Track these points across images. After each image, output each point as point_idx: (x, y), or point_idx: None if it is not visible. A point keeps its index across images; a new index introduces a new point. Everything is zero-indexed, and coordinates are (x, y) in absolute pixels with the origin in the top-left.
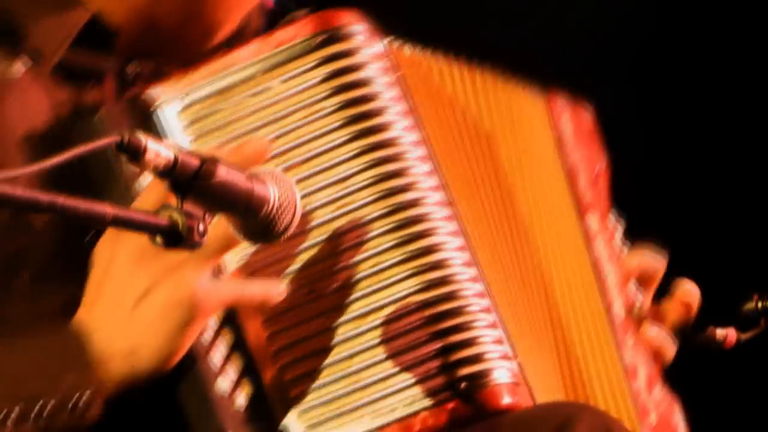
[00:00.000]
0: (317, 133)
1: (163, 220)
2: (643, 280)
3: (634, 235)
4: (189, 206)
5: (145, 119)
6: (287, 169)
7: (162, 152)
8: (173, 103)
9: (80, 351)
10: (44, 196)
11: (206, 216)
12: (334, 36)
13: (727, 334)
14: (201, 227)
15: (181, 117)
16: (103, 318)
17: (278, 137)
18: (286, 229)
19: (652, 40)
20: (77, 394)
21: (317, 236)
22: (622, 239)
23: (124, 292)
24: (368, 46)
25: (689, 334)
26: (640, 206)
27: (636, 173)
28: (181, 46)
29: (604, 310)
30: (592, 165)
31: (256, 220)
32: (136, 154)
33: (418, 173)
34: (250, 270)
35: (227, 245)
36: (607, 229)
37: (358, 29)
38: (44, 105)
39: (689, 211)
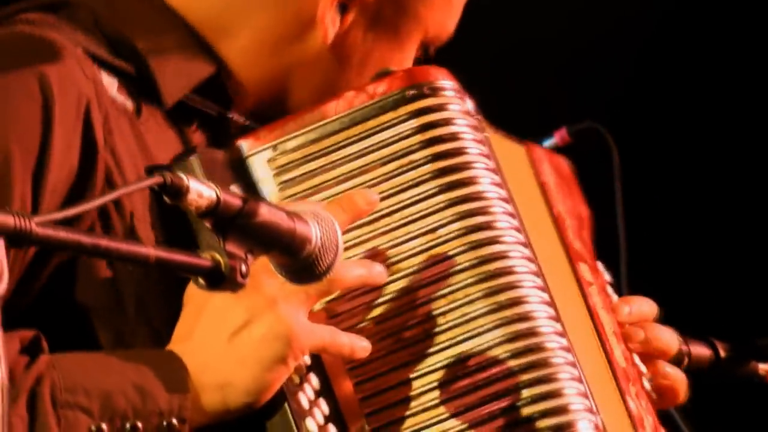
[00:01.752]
0: (407, 184)
1: (205, 260)
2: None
3: (629, 285)
4: (231, 246)
5: (237, 166)
6: (376, 220)
7: (204, 192)
8: (264, 152)
9: (174, 378)
10: (87, 238)
11: (248, 256)
12: (425, 90)
13: None
14: (243, 268)
15: (271, 166)
16: (198, 348)
17: (367, 188)
18: (329, 268)
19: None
20: (166, 421)
21: (406, 286)
22: (612, 289)
23: (221, 324)
24: (457, 103)
25: (732, 369)
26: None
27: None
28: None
29: (605, 357)
30: (576, 214)
31: (298, 260)
32: (179, 194)
33: (505, 227)
34: (340, 315)
35: (328, 289)
36: (598, 280)
37: (447, 85)
38: (155, 143)
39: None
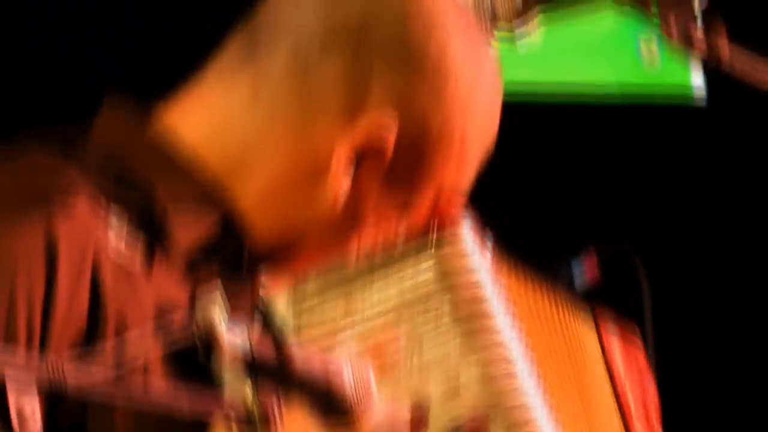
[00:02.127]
0: (427, 332)
1: (237, 406)
2: None
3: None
4: (264, 393)
5: (258, 305)
6: (397, 365)
7: (237, 340)
8: (285, 294)
9: None
10: (123, 392)
11: (281, 402)
12: (446, 238)
13: None
14: (276, 413)
15: (291, 306)
16: None
17: (386, 332)
18: (362, 413)
19: None
20: None
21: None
22: None
23: None
24: (479, 250)
25: None
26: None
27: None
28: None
29: None
30: (642, 397)
31: (331, 405)
32: (210, 340)
33: (525, 378)
34: None
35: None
36: None
37: (468, 233)
38: (167, 285)
39: None
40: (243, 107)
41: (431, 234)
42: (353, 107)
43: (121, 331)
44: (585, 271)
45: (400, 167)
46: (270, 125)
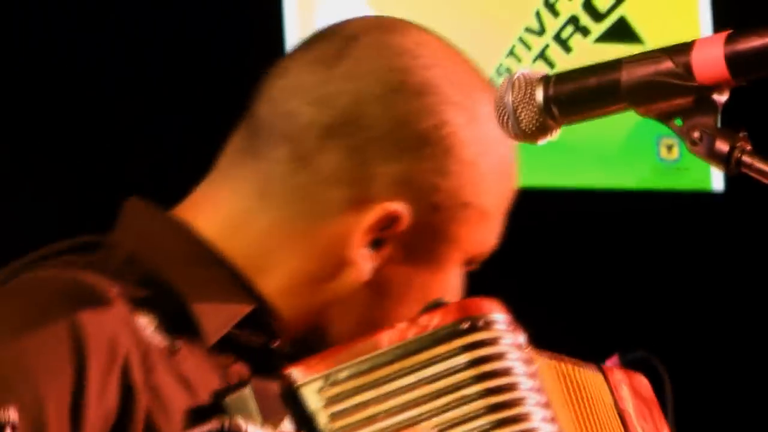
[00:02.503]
0: (459, 419)
1: None
2: None
3: None
4: None
5: (288, 396)
6: None
7: None
8: (316, 382)
9: None
10: None
11: None
12: (478, 323)
13: None
14: None
15: (322, 396)
16: None
17: (419, 421)
18: None
19: None
20: None
21: None
22: None
23: None
24: (510, 336)
25: None
26: None
27: None
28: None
29: None
30: None
31: None
32: None
33: None
34: None
35: None
36: None
37: (500, 318)
38: (196, 380)
39: None
40: (251, 207)
41: (465, 318)
42: (359, 200)
43: (153, 409)
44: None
45: (423, 241)
46: (279, 221)
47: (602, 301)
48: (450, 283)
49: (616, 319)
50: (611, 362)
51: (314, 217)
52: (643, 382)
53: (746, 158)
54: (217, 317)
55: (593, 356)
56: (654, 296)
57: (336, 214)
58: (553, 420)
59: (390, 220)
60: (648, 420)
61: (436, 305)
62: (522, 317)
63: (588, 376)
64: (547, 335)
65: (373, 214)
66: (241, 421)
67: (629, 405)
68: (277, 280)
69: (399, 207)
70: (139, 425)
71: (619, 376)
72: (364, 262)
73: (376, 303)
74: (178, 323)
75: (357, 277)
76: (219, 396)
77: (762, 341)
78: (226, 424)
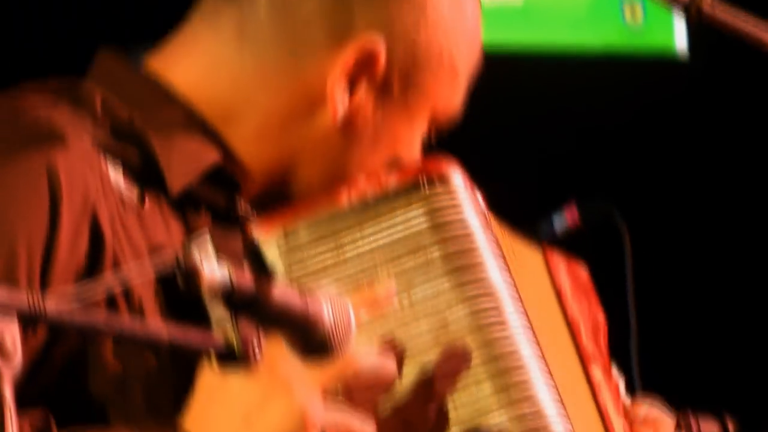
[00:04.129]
0: (417, 275)
1: (218, 339)
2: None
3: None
4: (244, 325)
5: (248, 251)
6: (388, 314)
7: (217, 273)
8: (275, 240)
9: None
10: (100, 319)
11: (261, 335)
12: (437, 183)
13: None
14: (256, 346)
15: (281, 253)
16: (210, 428)
17: (378, 276)
18: (341, 348)
19: None
20: None
21: (415, 378)
22: (625, 392)
23: (235, 407)
24: (468, 197)
25: None
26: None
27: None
28: (303, 198)
29: None
30: (591, 319)
31: (310, 339)
32: (191, 273)
33: (516, 325)
34: (348, 400)
35: (342, 372)
36: (611, 382)
37: (459, 179)
38: (160, 232)
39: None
40: (230, 48)
41: (423, 176)
42: (339, 36)
43: (120, 262)
44: (566, 221)
45: (395, 87)
46: (258, 63)
47: (566, 159)
48: (415, 138)
49: (579, 178)
50: (569, 210)
51: (293, 57)
52: (581, 269)
53: (707, 7)
54: (182, 167)
55: (555, 206)
56: (617, 155)
57: (315, 53)
58: (507, 271)
59: (367, 59)
60: (583, 302)
61: (395, 165)
62: (483, 174)
63: (526, 251)
64: (508, 191)
65: (351, 51)
66: (196, 257)
67: (566, 285)
68: (248, 126)
69: (376, 46)
70: (108, 264)
71: (557, 257)
72: (338, 104)
73: (345, 149)
74: (145, 173)
75: (329, 121)
76: (182, 243)
77: (723, 200)
78: (182, 260)
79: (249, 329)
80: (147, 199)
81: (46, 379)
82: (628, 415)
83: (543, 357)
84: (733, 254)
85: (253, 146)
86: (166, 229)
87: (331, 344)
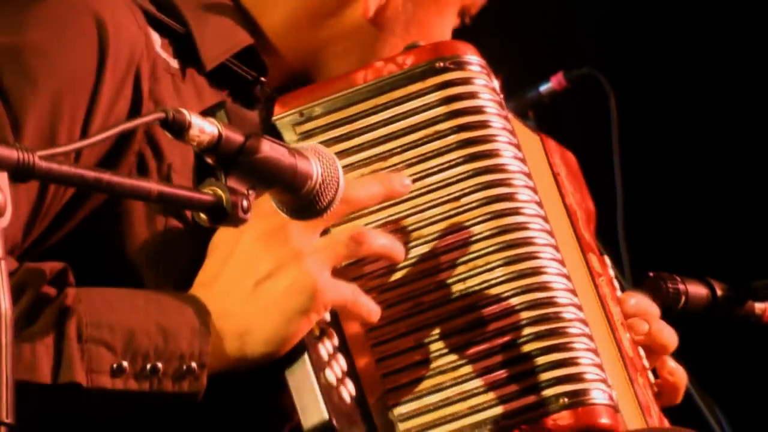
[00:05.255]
0: (431, 153)
1: (207, 196)
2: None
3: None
4: (233, 182)
5: (264, 128)
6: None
7: (206, 128)
8: (291, 117)
9: (197, 322)
10: (90, 173)
11: (250, 192)
12: (452, 64)
13: (766, 308)
14: (245, 203)
15: (297, 130)
16: (221, 294)
17: (392, 155)
18: (329, 205)
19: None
20: (186, 364)
21: (426, 251)
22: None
23: (246, 272)
24: (483, 78)
25: (729, 309)
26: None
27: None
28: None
29: (615, 345)
30: (584, 207)
31: (299, 196)
32: (181, 129)
33: (526, 199)
34: (362, 276)
35: (355, 251)
36: (606, 272)
37: (474, 60)
38: (193, 103)
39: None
40: None
41: (440, 57)
42: None
43: (150, 138)
44: (552, 87)
45: None
46: None
47: (552, 22)
48: (446, 29)
49: (563, 41)
50: (555, 79)
51: None
52: (572, 158)
53: None
54: (217, 45)
55: (541, 74)
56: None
57: None
58: (522, 160)
59: None
60: (576, 190)
61: (412, 47)
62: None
63: (529, 135)
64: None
65: None
66: (184, 112)
67: (562, 171)
68: (279, 14)
69: None
70: (139, 134)
71: (553, 144)
72: None
73: (376, 41)
74: (183, 46)
75: (360, 13)
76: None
77: (704, 59)
78: (171, 113)
79: (239, 186)
80: (185, 70)
81: (68, 233)
82: (622, 303)
83: (555, 244)
84: (718, 123)
85: (283, 35)
86: (198, 99)
87: (320, 200)
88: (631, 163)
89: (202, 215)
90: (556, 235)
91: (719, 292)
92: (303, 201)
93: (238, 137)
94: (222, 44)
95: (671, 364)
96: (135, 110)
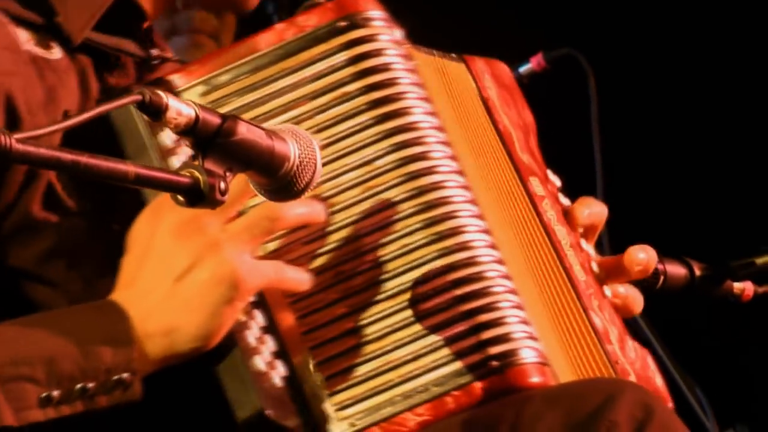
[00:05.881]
0: (342, 116)
1: (184, 178)
2: (587, 231)
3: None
4: (210, 164)
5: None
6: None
7: (183, 110)
8: (197, 87)
9: (117, 331)
10: (67, 155)
11: (227, 174)
12: (355, 21)
13: (745, 287)
14: (222, 185)
15: (204, 100)
16: (142, 295)
17: (302, 121)
18: (307, 186)
19: None
20: (115, 376)
21: (344, 219)
22: (563, 194)
23: (165, 270)
24: (388, 33)
25: (708, 288)
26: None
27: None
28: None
29: (565, 274)
30: (521, 124)
31: (276, 178)
32: (158, 112)
33: (440, 156)
34: (277, 252)
35: (271, 228)
36: (549, 190)
37: (377, 15)
38: (76, 87)
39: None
40: None
41: (342, 16)
42: None
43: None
44: (531, 67)
45: None
46: None
47: (531, 2)
48: None
49: (542, 21)
50: (535, 59)
51: None
52: (504, 69)
53: None
54: (80, 15)
55: (518, 54)
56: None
57: None
58: (433, 114)
59: None
60: (511, 106)
61: (312, 5)
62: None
63: (453, 67)
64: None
65: None
66: (162, 94)
67: (493, 93)
68: None
69: None
70: None
71: (480, 65)
72: None
73: None
74: (51, 31)
75: None
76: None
77: (683, 39)
78: (147, 96)
79: (216, 168)
80: (62, 55)
81: None
82: (570, 219)
83: (473, 199)
84: (697, 103)
85: None
86: (80, 82)
87: (297, 182)
88: (610, 143)
89: (180, 197)
90: (489, 167)
91: (698, 272)
92: (280, 183)
93: (215, 119)
94: (85, 12)
95: (618, 289)
96: (12, 128)
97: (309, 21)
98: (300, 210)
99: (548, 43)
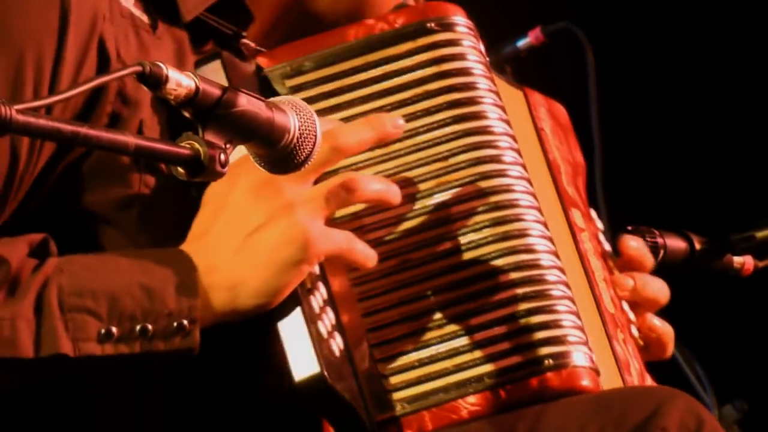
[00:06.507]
0: (420, 112)
1: (185, 149)
2: (647, 303)
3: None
4: (210, 136)
5: (257, 80)
6: (390, 144)
7: (183, 82)
8: (281, 70)
9: (183, 278)
10: (67, 126)
11: (227, 146)
12: (442, 25)
13: (745, 261)
14: (222, 157)
15: (287, 84)
16: (211, 248)
17: (382, 113)
18: (307, 158)
19: None
20: (176, 322)
21: (414, 210)
22: (605, 236)
23: (238, 225)
24: (470, 40)
25: (707, 262)
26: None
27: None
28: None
29: (594, 301)
30: (570, 161)
31: (276, 150)
32: (158, 83)
33: (511, 162)
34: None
35: (348, 199)
36: (590, 228)
37: (462, 22)
38: (172, 55)
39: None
40: None
41: (430, 18)
42: None
43: (125, 82)
44: (529, 41)
45: None
46: None
47: None
48: None
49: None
50: (533, 33)
51: None
52: (561, 110)
53: None
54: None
55: (517, 28)
56: None
57: None
58: (507, 122)
59: None
60: (563, 143)
61: (402, 6)
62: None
63: (512, 92)
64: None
65: None
66: (161, 65)
67: (547, 126)
68: None
69: None
70: (111, 96)
71: (538, 97)
72: None
73: None
74: (158, 1)
75: None
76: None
77: (681, 12)
78: (147, 67)
79: (216, 139)
80: (159, 25)
81: (45, 198)
82: (607, 259)
83: (539, 206)
84: (695, 76)
85: None
86: (176, 55)
87: (297, 154)
88: (608, 117)
89: (180, 169)
90: (537, 192)
91: (697, 246)
92: (280, 155)
93: (215, 91)
94: None
95: (652, 320)
96: (103, 71)
97: (398, 19)
98: (378, 186)
99: (546, 17)
